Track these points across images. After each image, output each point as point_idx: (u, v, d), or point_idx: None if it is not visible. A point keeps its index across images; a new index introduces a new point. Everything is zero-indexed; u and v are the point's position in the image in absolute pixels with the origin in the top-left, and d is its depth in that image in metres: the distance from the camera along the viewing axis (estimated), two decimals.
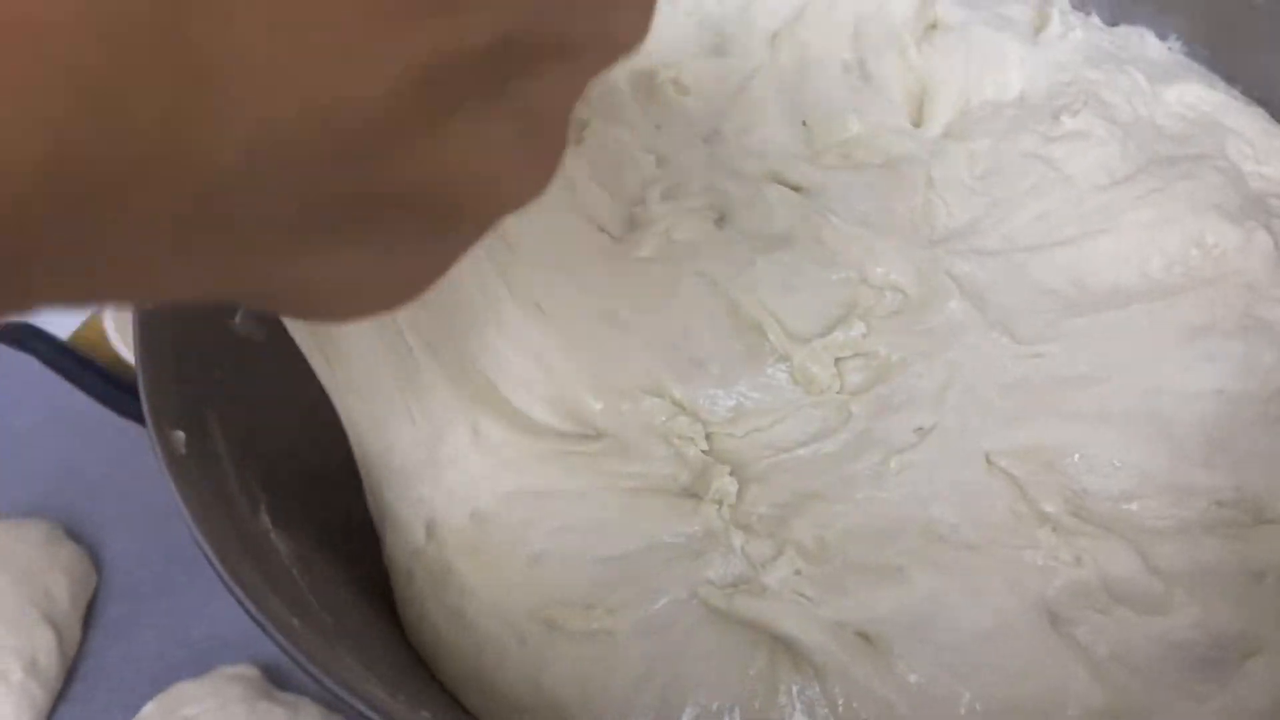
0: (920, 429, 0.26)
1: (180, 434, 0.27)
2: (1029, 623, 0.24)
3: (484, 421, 0.30)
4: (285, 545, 0.29)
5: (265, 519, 0.29)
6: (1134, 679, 0.23)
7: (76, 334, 0.56)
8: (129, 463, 0.49)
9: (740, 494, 0.27)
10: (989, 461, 0.26)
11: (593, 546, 0.27)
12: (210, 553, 0.24)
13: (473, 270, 0.31)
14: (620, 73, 0.34)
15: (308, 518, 0.31)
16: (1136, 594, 0.24)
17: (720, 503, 0.26)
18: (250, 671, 0.42)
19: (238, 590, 0.24)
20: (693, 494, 0.27)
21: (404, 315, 0.31)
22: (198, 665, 0.43)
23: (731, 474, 0.27)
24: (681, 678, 0.25)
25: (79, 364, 0.52)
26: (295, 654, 0.23)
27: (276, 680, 0.42)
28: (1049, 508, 0.25)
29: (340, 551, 0.32)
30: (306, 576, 0.28)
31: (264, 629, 0.24)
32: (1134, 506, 0.25)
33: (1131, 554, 0.24)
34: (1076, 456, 0.26)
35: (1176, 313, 0.27)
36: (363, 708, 0.22)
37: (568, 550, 0.27)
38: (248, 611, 0.24)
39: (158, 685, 0.42)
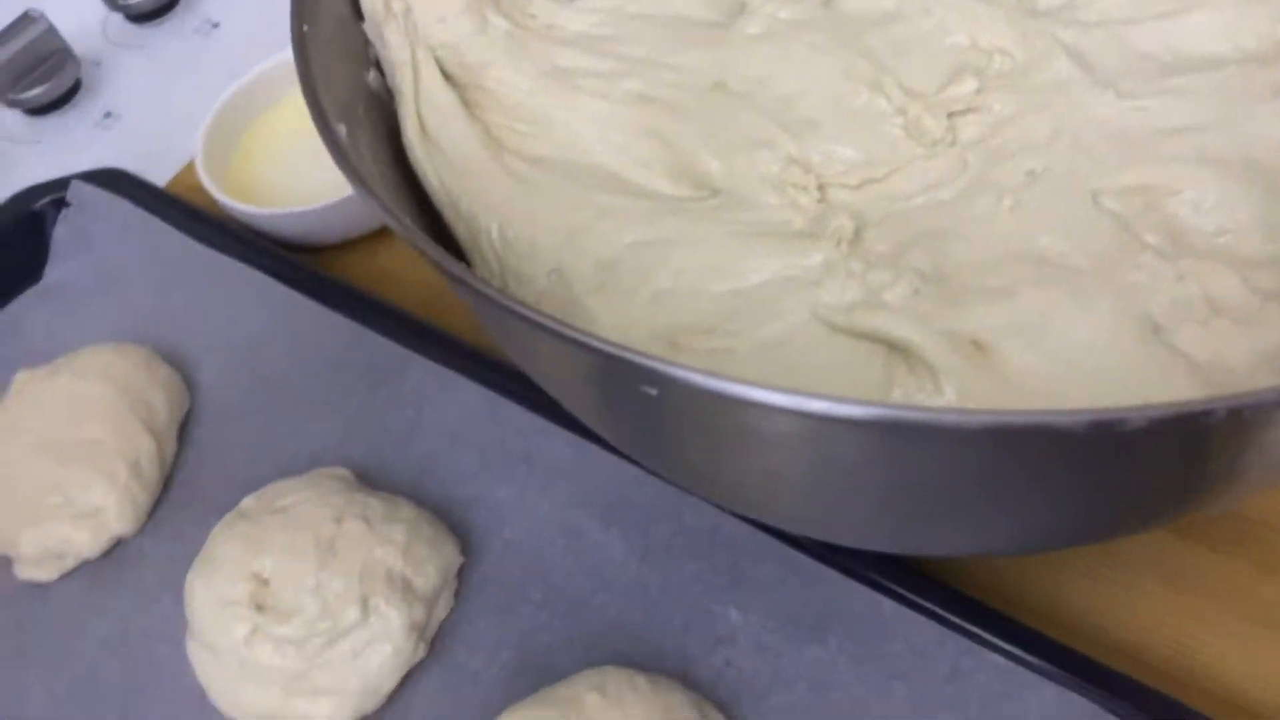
0: (1031, 172, 0.28)
1: (341, 126, 0.28)
2: (1134, 332, 0.25)
3: (604, 197, 0.32)
4: None
5: None
6: (1230, 379, 0.25)
7: (172, 181, 0.58)
8: (218, 295, 0.51)
9: (857, 235, 0.28)
10: (1095, 200, 0.28)
11: (713, 282, 0.29)
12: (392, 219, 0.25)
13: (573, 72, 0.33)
14: None
15: None
16: (1234, 307, 0.25)
17: (839, 240, 0.28)
18: (344, 472, 0.44)
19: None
20: (811, 235, 0.29)
21: (508, 141, 0.33)
22: (289, 476, 0.45)
23: (849, 218, 0.28)
24: (799, 387, 0.26)
25: (174, 206, 0.54)
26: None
27: (368, 483, 0.44)
28: (1152, 239, 0.27)
29: None
30: None
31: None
32: (1230, 240, 0.27)
33: (1230, 273, 0.26)
34: (1177, 196, 0.27)
35: (1270, 74, 0.28)
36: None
37: (690, 287, 0.29)
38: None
39: (252, 490, 0.44)
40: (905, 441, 0.20)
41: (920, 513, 0.26)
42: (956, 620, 0.37)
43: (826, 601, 0.38)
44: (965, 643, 0.36)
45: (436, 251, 0.23)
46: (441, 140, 0.33)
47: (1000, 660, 0.36)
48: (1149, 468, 0.22)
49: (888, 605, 0.37)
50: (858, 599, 0.38)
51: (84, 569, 0.45)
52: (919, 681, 0.37)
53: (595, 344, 0.20)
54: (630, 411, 0.25)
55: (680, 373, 0.19)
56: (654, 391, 0.21)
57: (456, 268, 0.23)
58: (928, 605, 0.37)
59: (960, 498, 0.24)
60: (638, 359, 0.20)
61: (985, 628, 0.36)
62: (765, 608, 0.39)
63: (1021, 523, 0.26)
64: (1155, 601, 0.39)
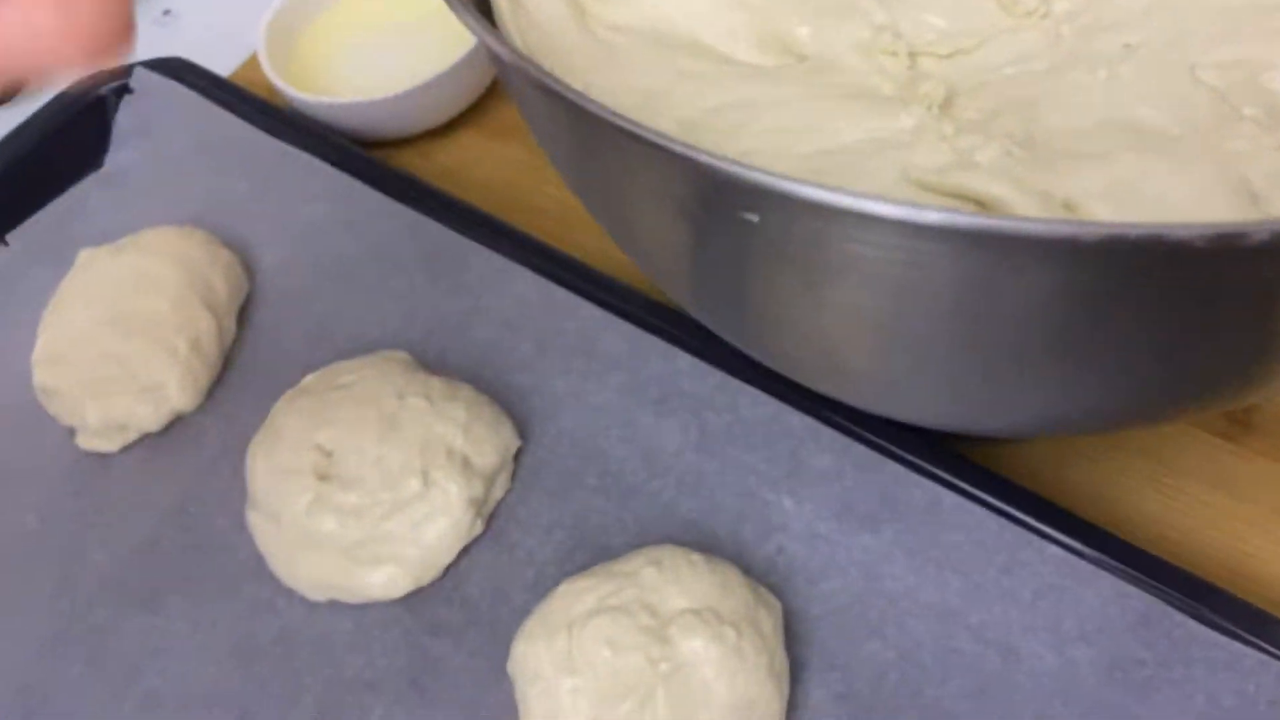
0: (1127, 45, 0.28)
1: None
2: (1231, 199, 0.25)
3: (688, 61, 0.32)
4: None
5: None
6: None
7: (232, 75, 0.58)
8: (278, 183, 0.51)
9: (948, 101, 0.28)
10: (1193, 73, 0.28)
11: (800, 143, 0.29)
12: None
13: None
14: None
15: None
16: None
17: (929, 105, 0.28)
18: (404, 355, 0.44)
19: None
20: (901, 99, 0.29)
21: (592, 8, 0.33)
22: (347, 359, 0.45)
23: (939, 84, 0.28)
24: None
25: (236, 95, 0.54)
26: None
27: (426, 368, 0.45)
28: (1250, 111, 0.27)
29: None
30: None
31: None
32: None
33: None
34: (1276, 71, 0.27)
35: None
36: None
37: (775, 147, 0.29)
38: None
39: (311, 371, 0.45)
40: (1008, 261, 0.20)
41: (998, 370, 0.26)
42: (1016, 514, 0.37)
43: (884, 493, 0.39)
44: (1024, 535, 0.36)
45: (538, 70, 0.23)
46: (529, 4, 0.33)
47: (1057, 552, 0.36)
48: (1250, 306, 0.22)
49: (948, 498, 0.38)
50: (916, 491, 0.38)
51: (145, 442, 0.46)
52: (974, 573, 0.37)
53: (706, 159, 0.20)
54: (719, 251, 0.25)
55: (793, 187, 0.19)
56: (755, 218, 0.21)
57: (562, 85, 0.23)
58: (988, 499, 0.37)
59: (1046, 344, 0.23)
60: (751, 174, 0.20)
61: (1044, 521, 0.36)
62: (821, 498, 0.39)
63: (1097, 382, 0.26)
64: (1213, 510, 0.39)
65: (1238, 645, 0.33)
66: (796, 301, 0.25)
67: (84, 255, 0.48)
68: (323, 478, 0.40)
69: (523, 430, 0.43)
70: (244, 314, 0.49)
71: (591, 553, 0.40)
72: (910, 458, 0.38)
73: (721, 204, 0.22)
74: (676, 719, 0.34)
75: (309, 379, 0.43)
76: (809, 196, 0.19)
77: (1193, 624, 0.34)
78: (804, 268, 0.23)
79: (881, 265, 0.21)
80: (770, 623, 0.36)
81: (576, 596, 0.37)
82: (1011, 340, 0.23)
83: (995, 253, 0.20)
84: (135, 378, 0.45)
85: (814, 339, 0.27)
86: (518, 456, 0.43)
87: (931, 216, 0.19)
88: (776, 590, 0.38)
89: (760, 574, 0.39)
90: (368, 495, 0.39)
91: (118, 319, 0.46)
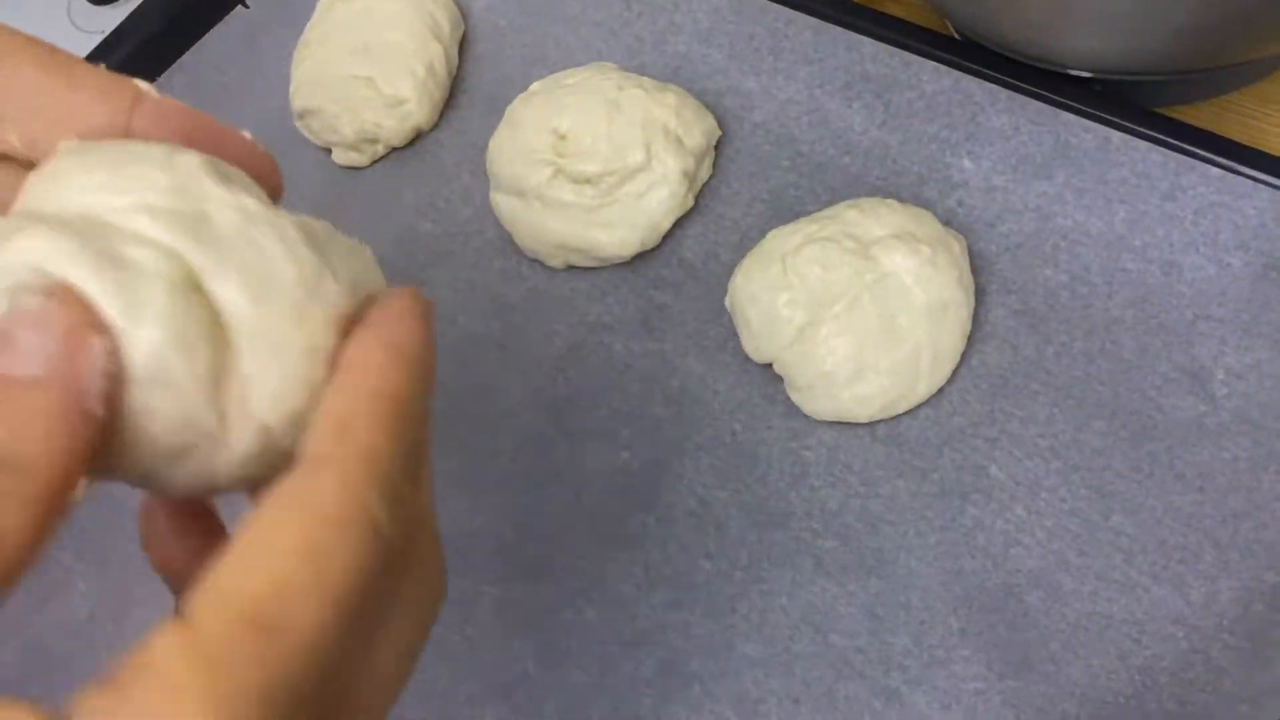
0: None
1: None
2: None
3: None
4: None
5: None
6: None
7: None
8: None
9: None
10: None
11: None
12: None
13: None
14: None
15: None
16: None
17: None
18: (613, 64, 0.50)
19: None
20: None
21: None
22: None
23: None
24: None
25: None
26: None
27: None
28: None
29: None
30: None
31: None
32: None
33: None
34: None
35: None
36: None
37: None
38: None
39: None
40: None
41: None
42: (1178, 144, 0.41)
43: (1057, 141, 0.43)
44: (1186, 161, 0.41)
45: None
46: None
47: (1217, 173, 0.41)
48: None
49: (1115, 137, 0.42)
50: (1087, 136, 0.43)
51: (391, 157, 0.53)
52: (1139, 202, 0.42)
53: None
54: None
55: None
56: None
57: None
58: (1153, 134, 0.42)
59: None
60: None
61: (1204, 146, 0.41)
62: (998, 154, 0.44)
63: None
64: None
65: None
66: None
67: (324, 2, 0.55)
68: (560, 155, 0.46)
69: (721, 125, 0.49)
70: (463, 49, 0.56)
71: (789, 219, 0.46)
72: (1082, 106, 0.43)
73: None
74: (881, 316, 0.40)
75: (536, 85, 0.50)
76: None
77: None
78: None
79: None
80: (958, 246, 0.42)
81: (786, 237, 0.43)
82: None
83: None
84: (381, 94, 0.52)
85: None
86: (718, 147, 0.49)
87: None
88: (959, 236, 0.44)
89: (943, 221, 0.44)
90: (600, 164, 0.46)
91: (361, 49, 0.53)
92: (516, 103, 0.49)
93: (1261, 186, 0.40)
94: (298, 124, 0.54)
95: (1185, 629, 0.36)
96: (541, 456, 0.44)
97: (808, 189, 0.47)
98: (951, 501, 0.40)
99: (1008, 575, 0.38)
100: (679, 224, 0.48)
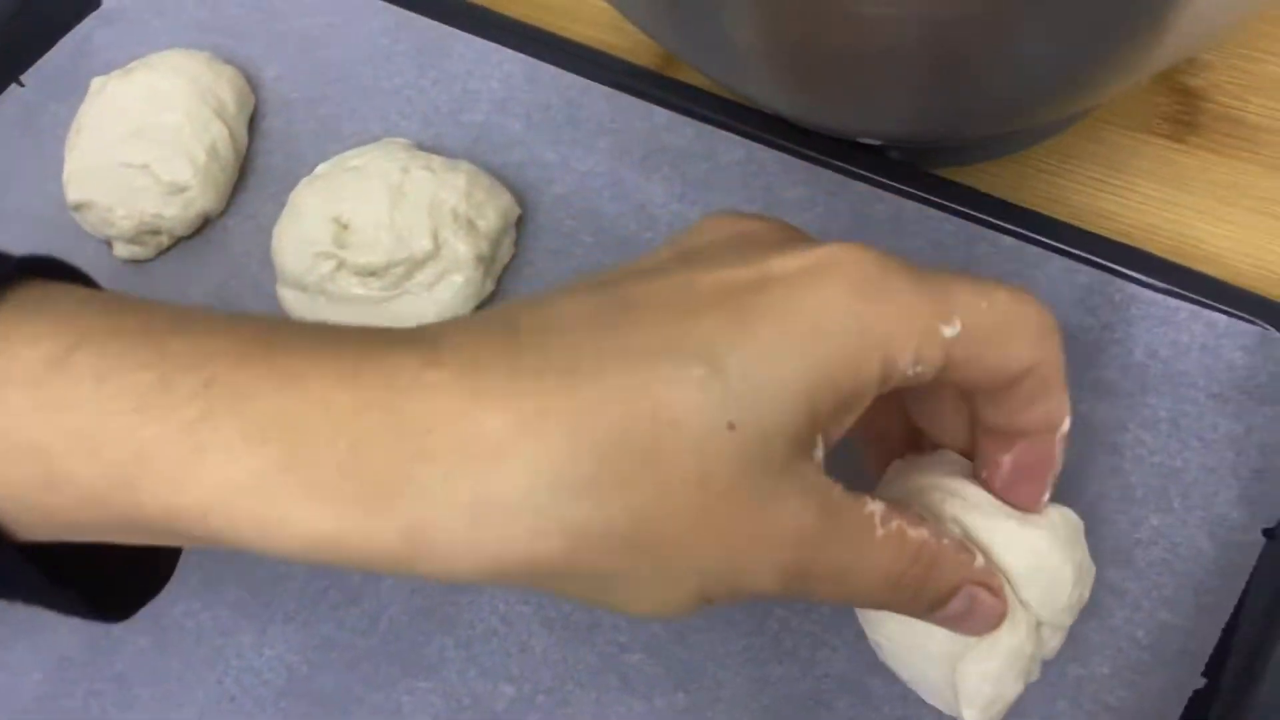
0: None
1: None
2: None
3: None
4: None
5: None
6: None
7: None
8: (268, 1, 0.54)
9: None
10: None
11: None
12: None
13: None
14: None
15: None
16: None
17: None
18: (405, 140, 0.48)
19: None
20: None
21: None
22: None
23: None
24: None
25: None
26: None
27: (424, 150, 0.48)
28: None
29: None
30: None
31: None
32: None
33: None
34: None
35: None
36: None
37: None
38: None
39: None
40: None
41: (961, 57, 0.29)
42: (972, 213, 0.40)
43: (854, 212, 0.42)
44: (980, 230, 0.40)
45: None
46: None
47: (1011, 243, 0.39)
48: None
49: (910, 207, 0.41)
50: (881, 206, 0.42)
51: (179, 246, 0.50)
52: None
53: None
54: None
55: None
56: None
57: None
58: (946, 203, 0.40)
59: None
60: None
61: (997, 215, 0.40)
62: (797, 225, 0.43)
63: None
64: (1158, 203, 0.42)
65: (1172, 301, 0.37)
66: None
67: (96, 82, 0.51)
68: (341, 246, 0.44)
69: (521, 201, 0.47)
70: (254, 124, 0.52)
71: None
72: (874, 176, 0.42)
73: None
74: None
75: (321, 167, 0.47)
76: None
77: (1131, 287, 0.37)
78: None
79: None
80: None
81: None
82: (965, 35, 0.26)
83: None
84: (160, 182, 0.48)
85: (785, 58, 0.31)
86: (519, 224, 0.46)
87: None
88: None
89: None
90: (384, 255, 0.43)
91: (135, 133, 0.49)
92: (300, 187, 0.46)
93: (1053, 255, 0.39)
94: (74, 215, 0.51)
95: None
96: (335, 578, 0.41)
97: (612, 267, 0.45)
98: (759, 604, 0.38)
99: (816, 681, 0.37)
100: (480, 308, 0.45)
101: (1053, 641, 0.32)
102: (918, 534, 0.26)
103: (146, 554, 0.26)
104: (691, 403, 0.22)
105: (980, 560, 0.28)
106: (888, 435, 0.33)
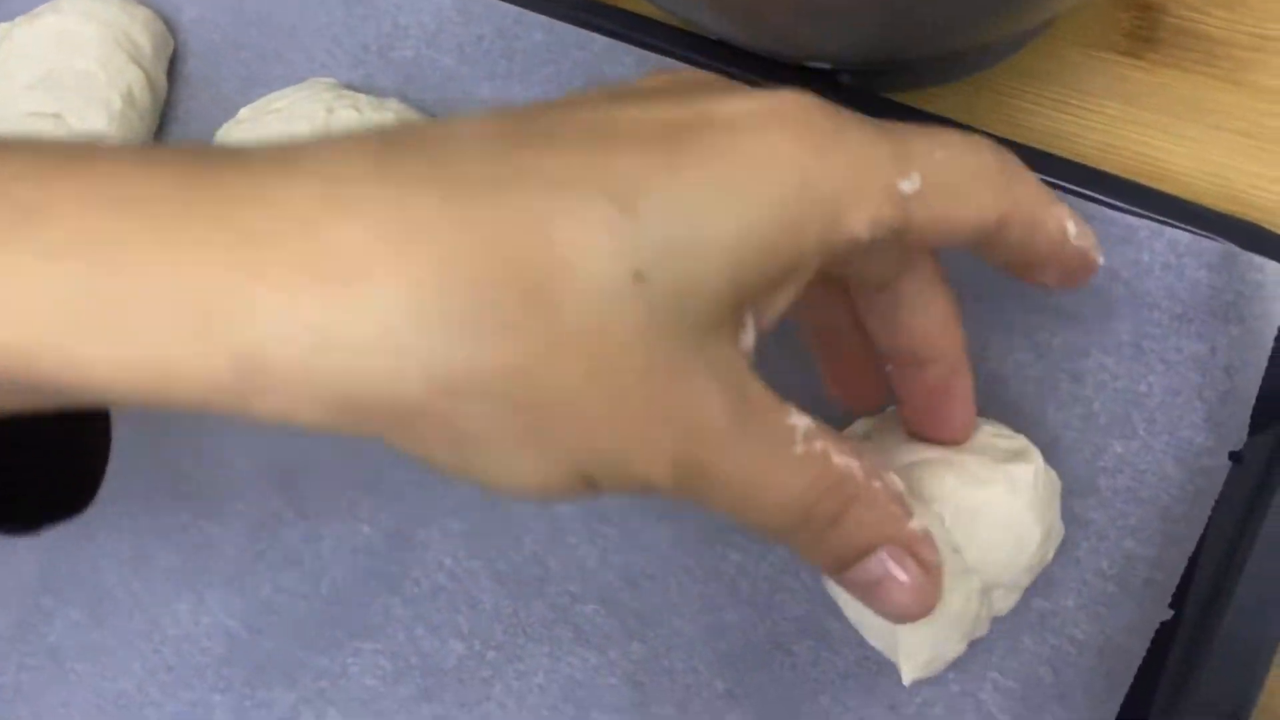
0: None
1: None
2: None
3: None
4: None
5: None
6: None
7: None
8: None
9: None
10: None
11: None
12: None
13: None
14: None
15: None
16: None
17: None
18: (332, 80, 0.45)
19: None
20: None
21: None
22: None
23: None
24: None
25: None
26: None
27: (353, 88, 0.45)
28: None
29: None
30: None
31: None
32: None
33: None
34: None
35: None
36: None
37: None
38: None
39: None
40: None
41: None
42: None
43: None
44: None
45: None
46: None
47: None
48: None
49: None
50: None
51: None
52: None
53: None
54: None
55: None
56: None
57: None
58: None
59: None
60: None
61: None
62: None
63: None
64: (1117, 121, 0.41)
65: (1133, 220, 0.35)
66: None
67: (2, 28, 0.48)
68: None
69: None
70: (173, 69, 0.49)
71: None
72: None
73: None
74: None
75: (244, 111, 0.44)
76: None
77: (1091, 207, 0.36)
78: None
79: None
80: None
81: None
82: None
83: None
84: (73, 132, 0.46)
85: None
86: None
87: None
88: None
89: None
90: None
91: (46, 81, 0.46)
92: (223, 132, 0.44)
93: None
94: None
95: (954, 670, 0.34)
96: (272, 539, 0.39)
97: None
98: (714, 548, 0.36)
99: (774, 624, 0.35)
100: None
101: (1007, 601, 0.31)
102: (843, 462, 0.22)
103: (64, 471, 0.23)
104: (593, 243, 0.18)
105: (918, 524, 0.24)
106: (835, 339, 0.30)
